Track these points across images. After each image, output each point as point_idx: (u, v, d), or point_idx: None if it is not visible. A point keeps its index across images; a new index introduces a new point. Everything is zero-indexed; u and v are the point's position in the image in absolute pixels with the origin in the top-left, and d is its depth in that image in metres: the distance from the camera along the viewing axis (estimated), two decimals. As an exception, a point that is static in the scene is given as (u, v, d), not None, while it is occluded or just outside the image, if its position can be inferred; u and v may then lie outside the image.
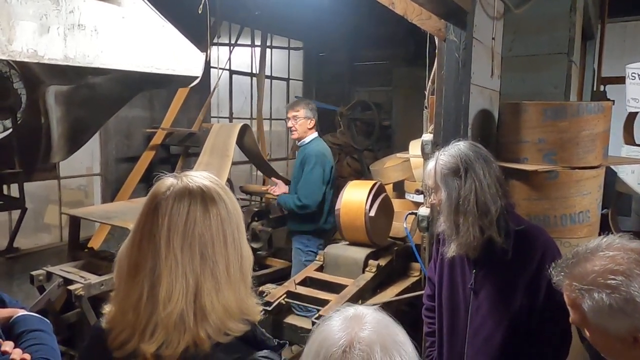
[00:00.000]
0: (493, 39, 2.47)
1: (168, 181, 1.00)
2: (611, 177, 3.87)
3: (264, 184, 5.30)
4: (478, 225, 1.62)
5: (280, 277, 3.78)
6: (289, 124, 3.67)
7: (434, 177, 1.71)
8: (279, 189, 3.74)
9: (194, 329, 0.91)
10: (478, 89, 2.31)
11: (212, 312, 0.92)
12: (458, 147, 1.70)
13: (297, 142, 3.76)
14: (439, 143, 2.26)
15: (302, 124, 3.62)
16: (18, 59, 2.14)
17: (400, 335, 0.74)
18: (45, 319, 1.44)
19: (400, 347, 0.71)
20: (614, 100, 3.97)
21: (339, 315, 0.77)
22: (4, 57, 2.09)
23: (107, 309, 1.02)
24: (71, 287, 2.78)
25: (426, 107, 2.65)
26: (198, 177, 1.01)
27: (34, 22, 2.11)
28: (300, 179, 3.54)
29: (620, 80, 4.36)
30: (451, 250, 1.69)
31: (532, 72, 2.90)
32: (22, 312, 1.42)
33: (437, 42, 2.32)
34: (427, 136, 2.40)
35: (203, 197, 0.96)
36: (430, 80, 2.55)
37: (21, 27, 2.08)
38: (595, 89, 4.96)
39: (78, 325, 3.12)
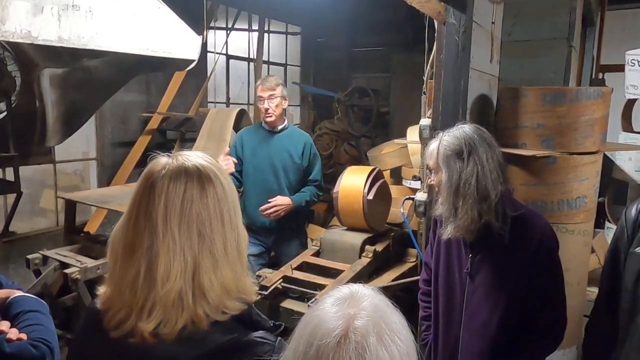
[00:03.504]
0: (493, 23, 2.44)
1: (163, 160, 0.99)
2: (608, 165, 3.88)
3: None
4: (477, 209, 1.62)
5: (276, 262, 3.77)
6: (265, 105, 3.05)
7: (436, 157, 1.70)
8: (282, 200, 3.09)
9: (192, 308, 0.91)
10: (477, 74, 2.29)
11: (210, 291, 0.92)
12: (463, 130, 1.69)
13: (267, 125, 3.18)
14: (437, 128, 2.25)
15: (279, 104, 3.09)
16: (11, 40, 2.11)
17: (397, 322, 0.72)
18: (42, 301, 1.44)
19: (395, 335, 0.70)
20: (612, 88, 3.96)
21: (333, 298, 0.75)
22: (-3, 38, 2.06)
23: (101, 289, 1.01)
24: (67, 271, 2.78)
25: (424, 92, 2.64)
26: (193, 156, 1.00)
27: (27, 1, 2.08)
28: (302, 167, 3.18)
29: (619, 68, 4.34)
30: (447, 232, 1.68)
31: (531, 57, 2.87)
32: (18, 293, 1.42)
33: (436, 26, 2.30)
34: (426, 121, 2.39)
35: (199, 176, 0.96)
36: (429, 65, 2.54)
37: (14, 6, 2.05)
38: (593, 77, 4.94)
39: (74, 308, 3.12)
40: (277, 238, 3.22)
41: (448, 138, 1.68)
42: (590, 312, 1.74)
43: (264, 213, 3.06)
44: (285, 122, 3.23)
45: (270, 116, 3.08)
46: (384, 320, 0.71)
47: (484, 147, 1.65)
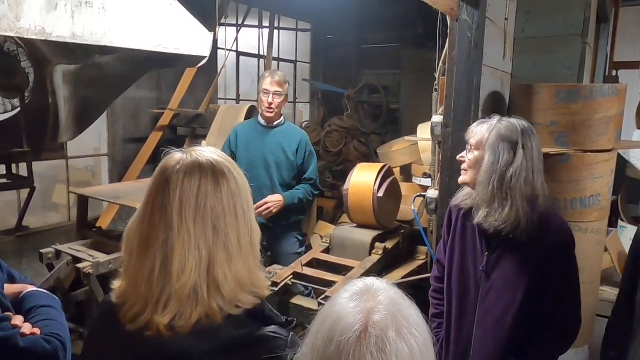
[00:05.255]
0: (506, 19, 2.42)
1: (177, 156, 1.00)
2: (621, 164, 3.84)
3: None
4: (522, 207, 1.58)
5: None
6: (269, 99, 3.03)
7: (486, 136, 1.65)
8: (273, 197, 3.03)
9: (206, 301, 0.92)
10: (490, 70, 2.27)
11: (224, 284, 0.93)
12: (521, 121, 1.65)
13: (263, 120, 3.16)
14: (449, 125, 2.24)
15: (282, 102, 3.10)
16: (26, 36, 2.13)
17: (414, 314, 0.73)
18: (54, 296, 1.46)
19: (413, 327, 0.71)
20: (627, 85, 3.91)
21: (349, 293, 0.75)
22: (11, 34, 2.08)
23: (116, 284, 1.02)
24: (80, 266, 2.81)
25: (436, 89, 2.62)
26: (207, 152, 1.01)
27: (42, -2, 2.09)
28: (296, 164, 3.13)
29: (633, 65, 4.30)
30: (480, 216, 1.64)
31: (545, 54, 2.84)
32: (31, 288, 1.44)
33: (449, 22, 2.28)
34: (437, 118, 2.37)
35: (213, 171, 0.97)
36: (441, 61, 2.52)
37: (29, 3, 2.06)
38: (607, 74, 4.89)
39: (87, 303, 3.15)
40: (271, 236, 3.13)
41: (506, 123, 1.64)
42: (612, 310, 1.73)
43: (256, 212, 3.00)
44: (282, 118, 3.20)
45: (272, 111, 3.06)
46: (402, 313, 0.71)
47: (536, 145, 1.63)
